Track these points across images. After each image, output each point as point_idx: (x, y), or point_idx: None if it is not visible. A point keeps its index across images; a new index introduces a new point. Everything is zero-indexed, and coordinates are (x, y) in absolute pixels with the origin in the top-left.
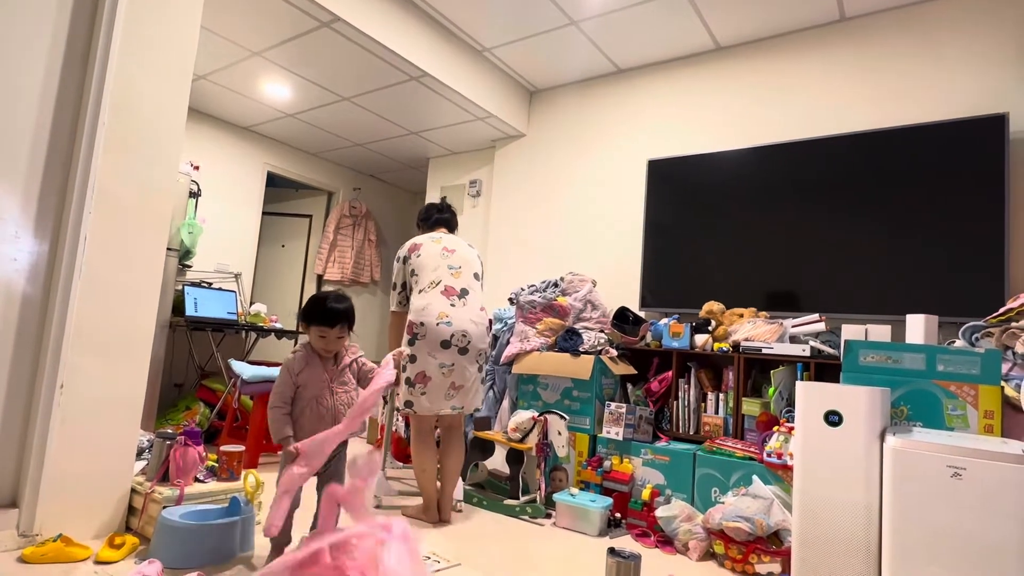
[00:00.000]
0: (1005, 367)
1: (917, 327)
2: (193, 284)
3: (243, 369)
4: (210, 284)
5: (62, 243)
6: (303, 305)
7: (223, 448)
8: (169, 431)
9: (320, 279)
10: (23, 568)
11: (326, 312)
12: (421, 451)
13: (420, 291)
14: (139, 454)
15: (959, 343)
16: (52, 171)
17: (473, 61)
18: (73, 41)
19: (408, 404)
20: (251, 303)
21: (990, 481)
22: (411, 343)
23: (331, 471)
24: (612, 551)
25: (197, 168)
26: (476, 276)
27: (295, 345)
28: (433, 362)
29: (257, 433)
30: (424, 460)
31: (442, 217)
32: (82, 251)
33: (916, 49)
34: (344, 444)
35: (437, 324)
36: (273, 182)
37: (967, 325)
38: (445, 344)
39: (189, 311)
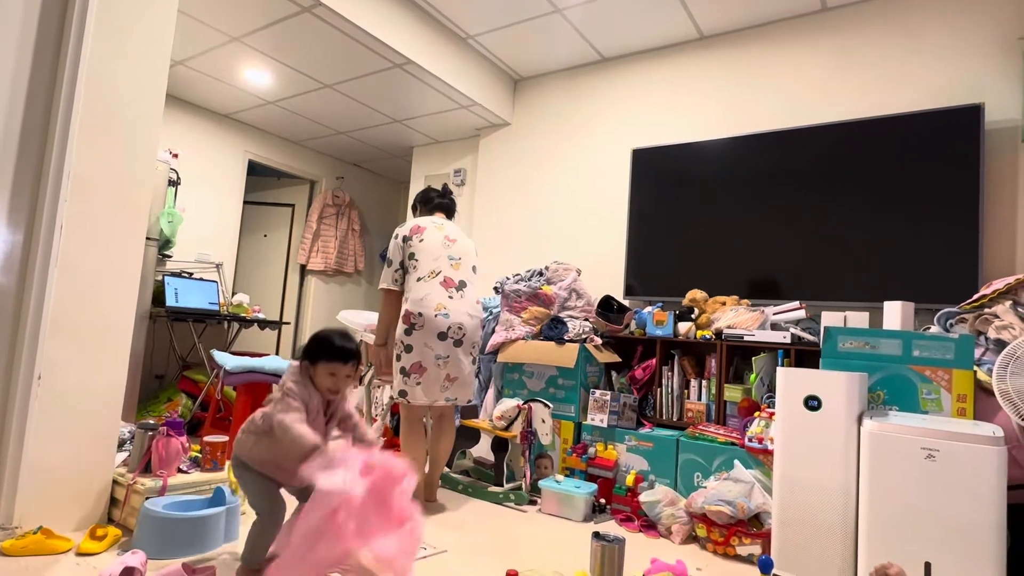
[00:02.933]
0: (978, 352)
1: (894, 314)
2: (173, 274)
3: (226, 360)
4: (191, 274)
5: (37, 231)
6: (307, 343)
7: (206, 439)
8: (151, 422)
9: (303, 269)
10: (3, 561)
11: (340, 348)
12: (411, 440)
13: (419, 279)
14: (120, 445)
15: (934, 329)
16: (25, 158)
17: (457, 48)
18: (46, 23)
19: (402, 393)
20: (233, 293)
21: (962, 462)
22: (408, 332)
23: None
24: (597, 535)
25: (176, 156)
26: (474, 269)
27: (277, 335)
28: (429, 353)
29: (240, 423)
30: (414, 448)
31: (443, 202)
32: (58, 239)
33: (896, 39)
34: None
35: (435, 315)
36: (254, 171)
37: (942, 311)
38: (442, 336)
39: (170, 301)
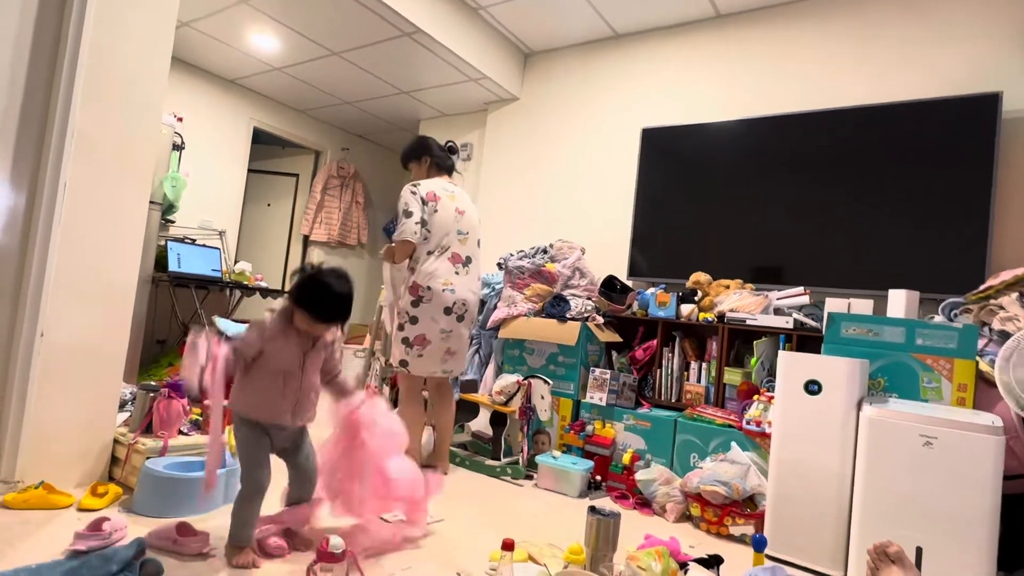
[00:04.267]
0: (981, 343)
1: (899, 302)
2: (176, 239)
3: (228, 326)
4: (193, 240)
5: (40, 189)
6: (300, 281)
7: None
8: (152, 383)
9: (306, 240)
10: (5, 513)
11: (325, 310)
12: (411, 409)
13: (429, 252)
14: (122, 406)
15: (938, 318)
16: (29, 117)
17: (468, 19)
18: None
19: (403, 363)
20: (236, 261)
21: (960, 450)
22: (415, 304)
23: (300, 448)
24: (593, 509)
25: (181, 120)
26: (479, 243)
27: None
28: (435, 327)
29: None
30: (414, 417)
31: (451, 165)
32: (61, 198)
33: (915, 24)
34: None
35: (443, 290)
36: (259, 139)
37: (947, 301)
38: (447, 311)
39: (172, 267)
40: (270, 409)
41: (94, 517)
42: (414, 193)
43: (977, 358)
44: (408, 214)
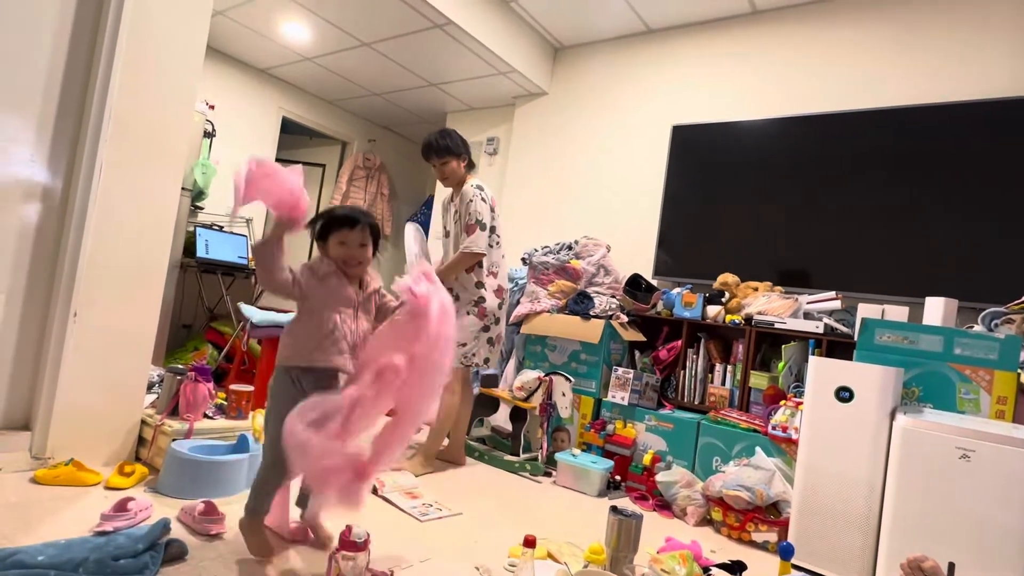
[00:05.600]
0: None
1: (936, 310)
2: (204, 226)
3: (252, 313)
4: (221, 227)
5: (77, 171)
6: (316, 218)
7: (232, 387)
8: (179, 366)
9: None
10: (36, 488)
11: (343, 215)
12: (465, 404)
13: (503, 256)
14: (149, 388)
15: (978, 328)
16: (68, 99)
17: (500, 12)
18: None
19: (487, 361)
20: None
21: (999, 465)
22: (500, 306)
23: None
24: (615, 509)
25: (212, 108)
26: None
27: None
28: (504, 327)
29: (264, 376)
30: (465, 410)
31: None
32: (97, 180)
33: (962, 22)
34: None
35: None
36: (287, 128)
37: (987, 311)
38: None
39: (200, 252)
40: (327, 349)
41: (120, 496)
42: (484, 200)
43: (1019, 370)
44: (483, 226)
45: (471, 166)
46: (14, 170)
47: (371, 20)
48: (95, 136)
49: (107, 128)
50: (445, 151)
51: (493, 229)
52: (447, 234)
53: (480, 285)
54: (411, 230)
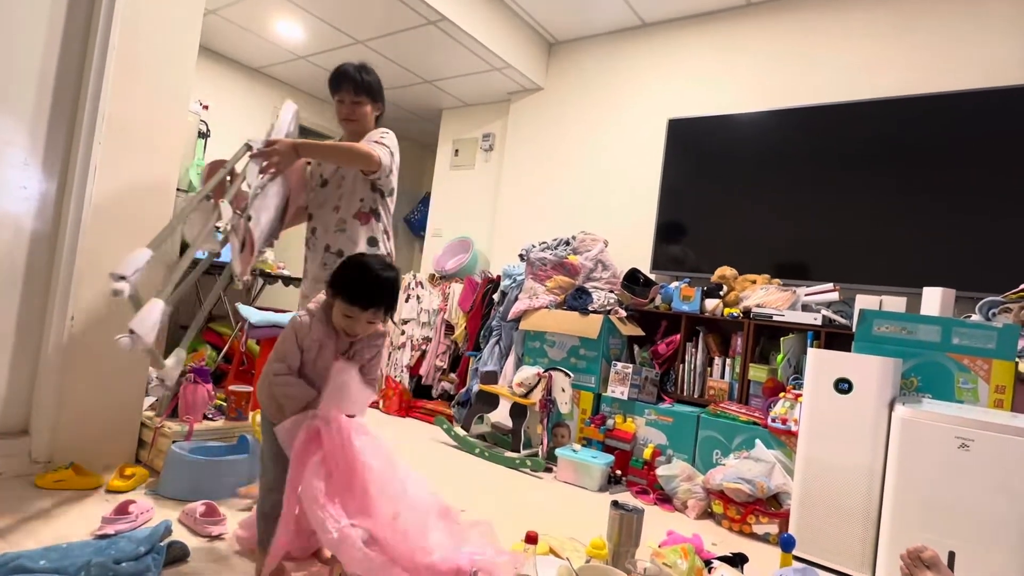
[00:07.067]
0: (1021, 343)
1: (933, 300)
2: None
3: (250, 313)
4: (218, 228)
5: (71, 173)
6: (338, 267)
7: (232, 388)
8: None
9: None
10: (37, 493)
11: (363, 291)
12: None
13: (390, 238)
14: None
15: (975, 317)
16: (61, 102)
17: (493, 7)
18: None
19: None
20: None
21: (998, 454)
22: None
23: None
24: (616, 504)
25: (207, 108)
26: None
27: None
28: None
29: None
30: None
31: None
32: (91, 181)
33: (958, 11)
34: None
35: None
36: None
37: (984, 300)
38: None
39: (197, 254)
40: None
41: (121, 499)
42: (394, 155)
43: (1017, 359)
44: (389, 168)
45: (379, 120)
46: (8, 173)
47: (364, 17)
48: (88, 137)
49: (100, 129)
50: (365, 89)
51: (392, 192)
52: (323, 183)
53: (373, 242)
54: (289, 112)
